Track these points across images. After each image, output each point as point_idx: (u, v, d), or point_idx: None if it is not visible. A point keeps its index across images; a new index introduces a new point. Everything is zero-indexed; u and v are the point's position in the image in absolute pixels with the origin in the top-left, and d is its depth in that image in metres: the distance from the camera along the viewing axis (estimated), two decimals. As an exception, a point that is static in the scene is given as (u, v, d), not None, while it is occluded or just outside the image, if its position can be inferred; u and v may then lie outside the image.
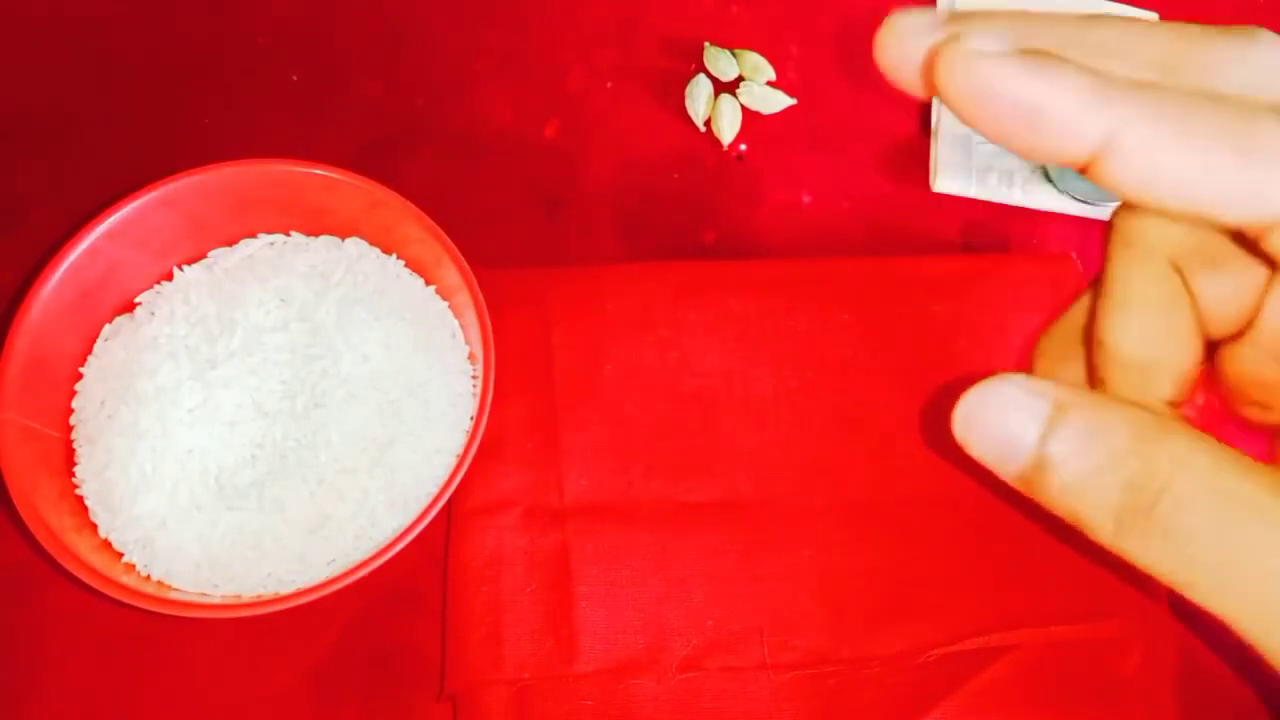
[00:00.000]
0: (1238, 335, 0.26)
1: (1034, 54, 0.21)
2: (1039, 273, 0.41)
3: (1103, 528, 0.20)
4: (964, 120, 0.21)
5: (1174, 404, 0.27)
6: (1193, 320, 0.26)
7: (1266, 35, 0.21)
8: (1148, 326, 0.26)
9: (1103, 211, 0.43)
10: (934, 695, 0.35)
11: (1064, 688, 0.35)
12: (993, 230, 0.44)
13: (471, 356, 0.37)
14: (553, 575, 0.36)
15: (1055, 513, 0.21)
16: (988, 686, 0.35)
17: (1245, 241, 0.22)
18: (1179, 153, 0.20)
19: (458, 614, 0.36)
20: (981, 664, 0.35)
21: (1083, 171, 0.21)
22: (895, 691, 0.35)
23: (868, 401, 0.38)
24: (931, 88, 0.21)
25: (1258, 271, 0.25)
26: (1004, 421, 0.21)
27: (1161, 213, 0.22)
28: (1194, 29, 0.21)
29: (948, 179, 0.43)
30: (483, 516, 0.36)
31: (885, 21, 0.23)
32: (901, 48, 0.22)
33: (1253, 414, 0.25)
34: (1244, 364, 0.25)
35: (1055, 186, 0.43)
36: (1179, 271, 0.26)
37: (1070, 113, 0.20)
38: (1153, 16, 0.47)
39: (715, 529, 0.37)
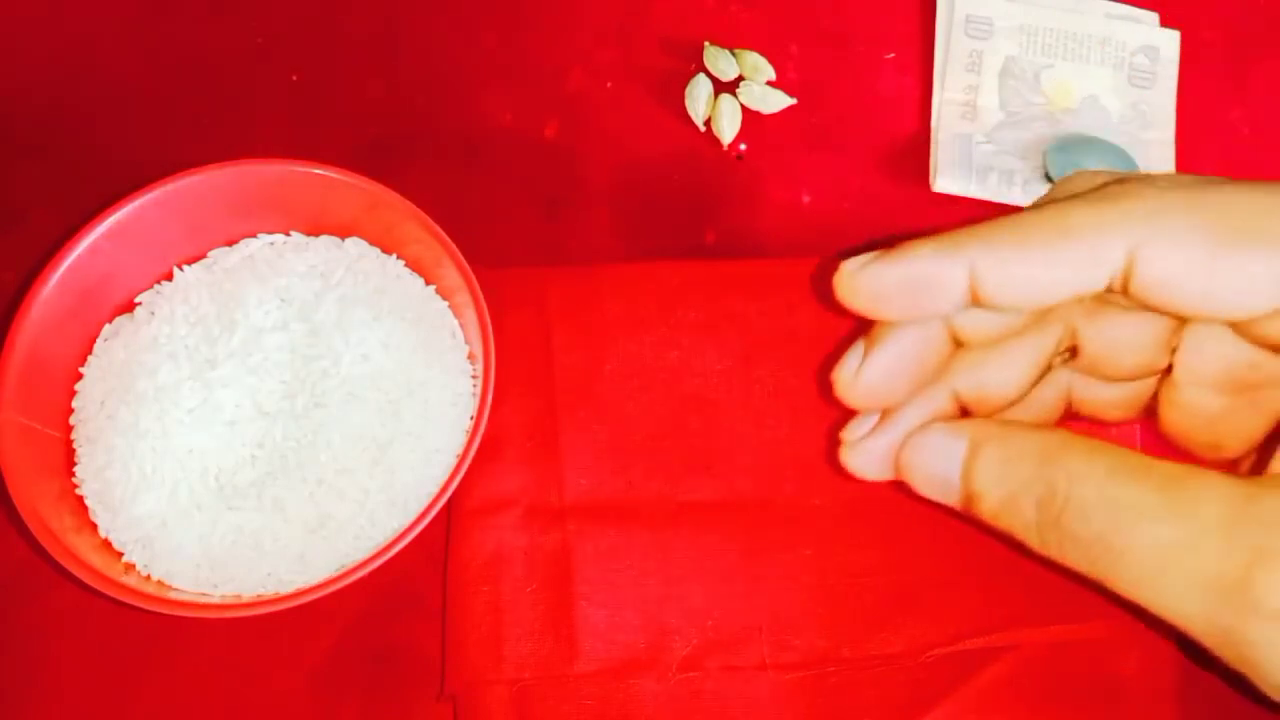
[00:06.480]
0: (1155, 393, 0.28)
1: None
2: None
3: (1029, 540, 0.24)
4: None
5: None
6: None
7: None
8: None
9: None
10: (934, 695, 0.35)
11: (1064, 688, 0.35)
12: (993, 230, 0.44)
13: (471, 356, 0.37)
14: (553, 575, 0.36)
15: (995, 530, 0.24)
16: (988, 686, 0.35)
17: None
18: (1020, 262, 0.25)
19: (457, 614, 0.36)
20: (981, 664, 0.35)
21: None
22: (895, 691, 0.35)
23: (868, 401, 0.38)
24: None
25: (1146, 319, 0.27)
26: (933, 464, 0.25)
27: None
28: None
29: (948, 179, 0.43)
30: (483, 516, 0.36)
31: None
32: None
33: (1208, 455, 0.28)
34: (1181, 409, 0.28)
35: (1055, 186, 0.43)
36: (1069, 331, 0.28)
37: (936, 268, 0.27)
38: (1153, 17, 0.47)
39: (715, 529, 0.37)
